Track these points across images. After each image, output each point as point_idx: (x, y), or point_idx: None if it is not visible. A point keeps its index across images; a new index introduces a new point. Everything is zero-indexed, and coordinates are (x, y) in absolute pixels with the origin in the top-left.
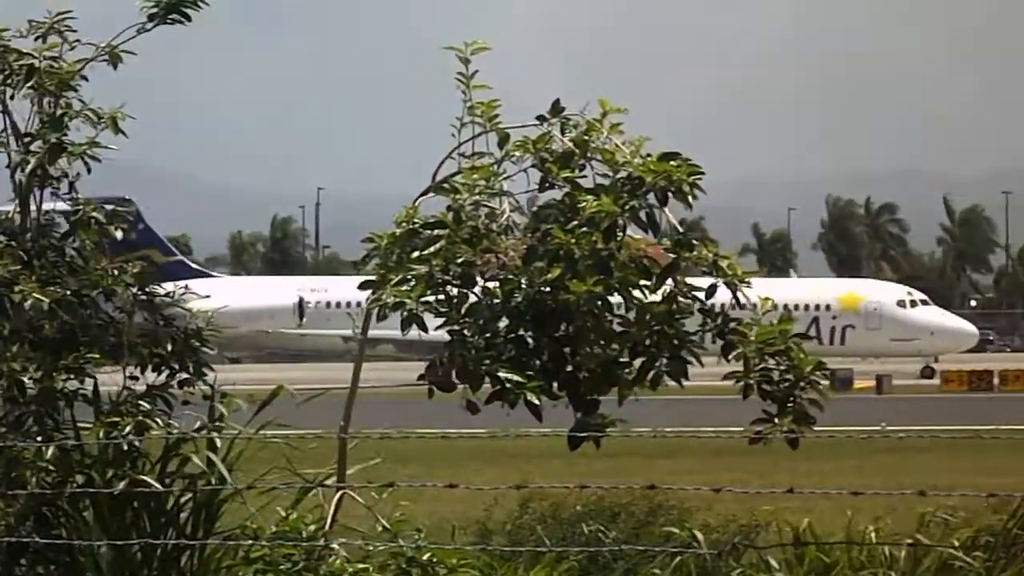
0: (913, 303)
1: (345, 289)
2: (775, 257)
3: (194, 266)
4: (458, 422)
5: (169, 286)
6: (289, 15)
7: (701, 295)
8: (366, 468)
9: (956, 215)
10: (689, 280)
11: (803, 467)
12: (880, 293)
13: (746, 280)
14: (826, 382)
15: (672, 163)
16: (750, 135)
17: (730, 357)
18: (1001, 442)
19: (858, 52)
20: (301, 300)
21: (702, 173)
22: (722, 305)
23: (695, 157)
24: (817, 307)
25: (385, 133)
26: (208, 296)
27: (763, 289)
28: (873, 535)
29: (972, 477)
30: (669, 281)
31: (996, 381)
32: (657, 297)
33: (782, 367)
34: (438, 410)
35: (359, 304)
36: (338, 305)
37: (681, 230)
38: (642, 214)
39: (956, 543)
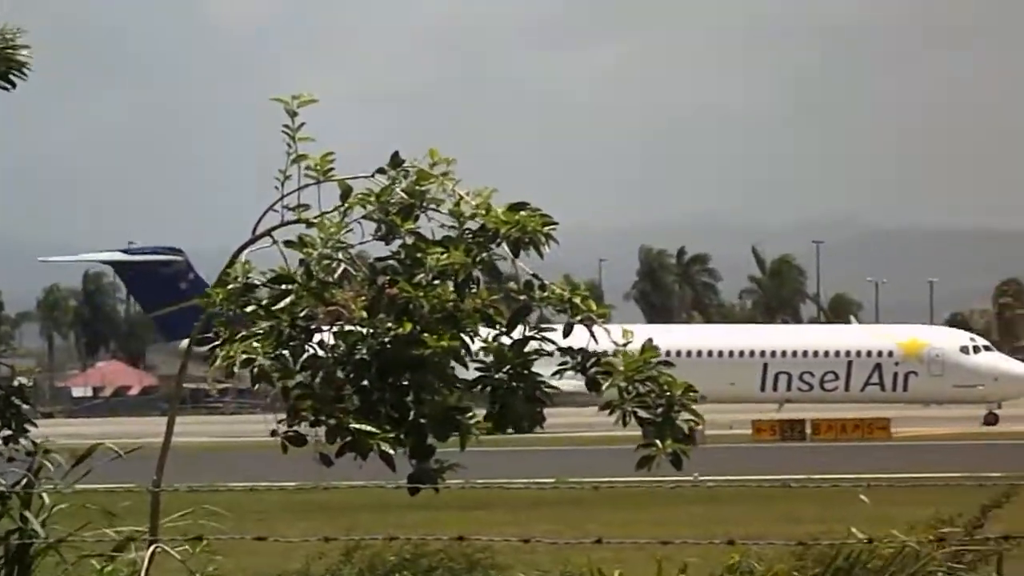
0: (976, 349)
1: None
2: None
3: None
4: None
5: None
6: (100, 66)
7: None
8: (176, 521)
9: (767, 264)
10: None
11: (615, 518)
12: (943, 339)
13: (601, 316)
14: (696, 404)
15: (523, 213)
16: (562, 185)
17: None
18: (810, 491)
19: (671, 102)
20: None
21: (555, 224)
22: (580, 350)
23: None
24: (880, 353)
25: (195, 185)
26: None
27: (820, 335)
28: None
29: (782, 526)
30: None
31: (808, 430)
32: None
33: (654, 393)
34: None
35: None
36: None
37: (530, 275)
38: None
39: None
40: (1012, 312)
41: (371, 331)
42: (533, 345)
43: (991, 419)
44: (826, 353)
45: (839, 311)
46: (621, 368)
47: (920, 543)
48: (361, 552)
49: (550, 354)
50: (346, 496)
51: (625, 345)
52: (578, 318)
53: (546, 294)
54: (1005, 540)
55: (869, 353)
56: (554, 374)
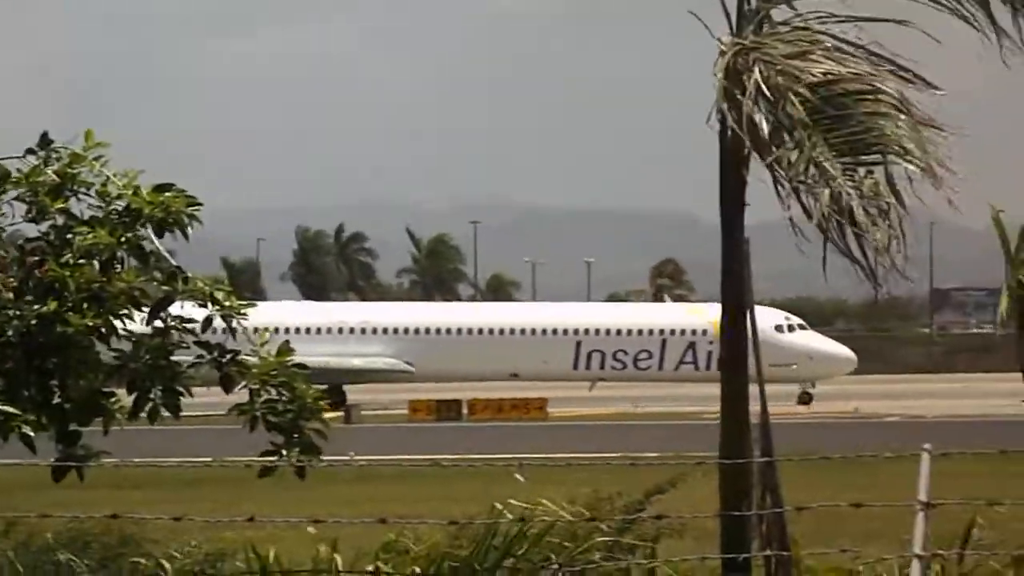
0: (791, 327)
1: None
2: (244, 288)
3: None
4: None
5: None
6: None
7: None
8: None
9: (423, 244)
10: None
11: (271, 497)
12: (757, 318)
13: (243, 312)
14: (329, 413)
15: (168, 194)
16: (227, 164)
17: (237, 389)
18: (467, 471)
19: (331, 81)
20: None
21: (200, 204)
22: (217, 345)
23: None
24: (694, 332)
25: None
26: None
27: (634, 313)
28: (339, 562)
29: (438, 505)
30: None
31: (464, 410)
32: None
33: (285, 398)
34: None
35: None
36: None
37: (174, 263)
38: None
39: (418, 570)
40: (669, 292)
41: (18, 313)
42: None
43: (805, 398)
44: (640, 331)
45: (496, 291)
46: (255, 370)
47: (574, 522)
48: (16, 529)
49: (187, 346)
50: (3, 474)
51: (262, 345)
52: (218, 313)
53: (188, 286)
54: (658, 519)
55: (683, 331)
56: (189, 367)
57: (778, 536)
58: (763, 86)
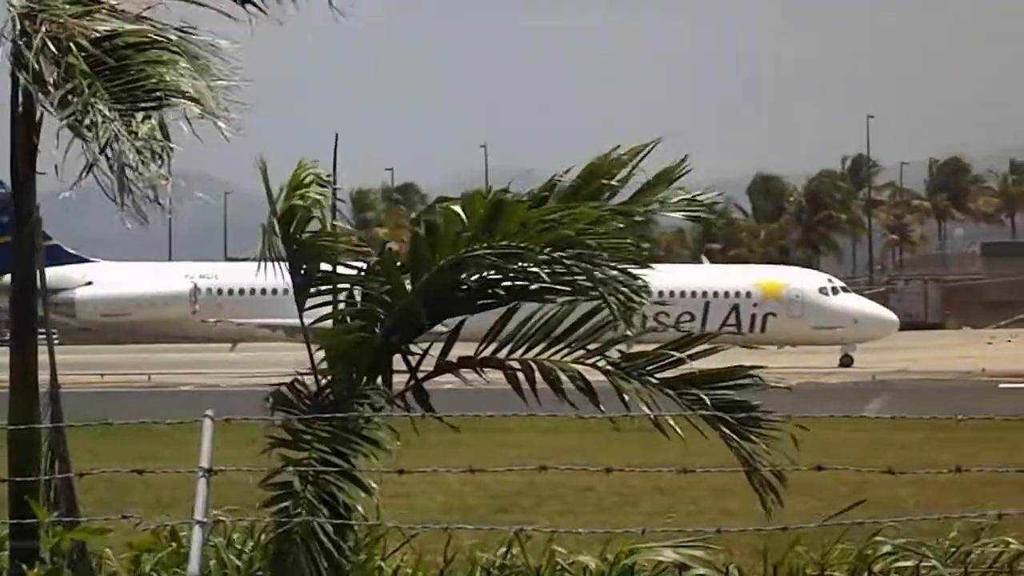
0: (835, 290)
1: (235, 276)
2: None
3: (71, 251)
4: None
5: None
6: None
7: None
8: None
9: None
10: None
11: None
12: (801, 280)
13: None
14: None
15: None
16: None
17: None
18: None
19: None
20: (195, 286)
21: None
22: None
23: None
24: (737, 294)
25: None
26: (90, 283)
27: (682, 276)
28: None
29: None
30: None
31: None
32: None
33: None
34: None
35: (252, 291)
36: (229, 292)
37: None
38: None
39: None
40: None
41: None
42: None
43: (847, 361)
44: (682, 293)
45: None
46: None
47: None
48: None
49: None
50: None
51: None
52: None
53: None
54: None
55: (727, 294)
56: None
57: (66, 502)
58: (48, 43)
